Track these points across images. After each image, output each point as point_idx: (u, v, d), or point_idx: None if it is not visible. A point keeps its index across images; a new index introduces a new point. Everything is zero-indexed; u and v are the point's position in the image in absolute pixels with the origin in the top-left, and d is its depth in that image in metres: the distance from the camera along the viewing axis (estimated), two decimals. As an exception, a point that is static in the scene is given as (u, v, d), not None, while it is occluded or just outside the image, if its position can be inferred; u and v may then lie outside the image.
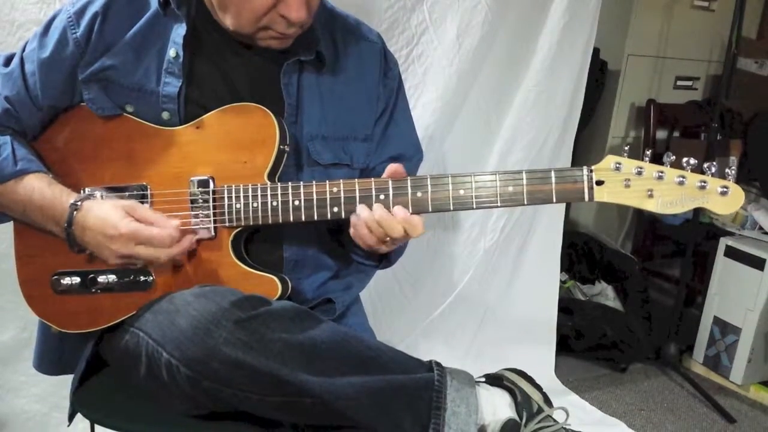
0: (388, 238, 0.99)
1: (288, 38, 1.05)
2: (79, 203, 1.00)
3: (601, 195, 0.97)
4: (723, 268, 2.32)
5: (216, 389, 0.91)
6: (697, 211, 2.34)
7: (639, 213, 2.91)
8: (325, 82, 1.13)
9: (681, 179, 0.94)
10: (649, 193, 0.96)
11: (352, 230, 1.02)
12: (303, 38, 1.08)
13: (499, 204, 0.99)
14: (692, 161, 0.95)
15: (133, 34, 1.06)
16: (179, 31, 1.06)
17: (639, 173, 0.96)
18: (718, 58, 2.97)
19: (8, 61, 1.09)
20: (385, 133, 1.19)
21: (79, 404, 1.07)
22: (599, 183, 0.97)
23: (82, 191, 1.06)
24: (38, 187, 1.02)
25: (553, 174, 0.98)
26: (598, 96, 2.80)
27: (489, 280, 2.10)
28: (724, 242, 2.32)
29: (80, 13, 1.06)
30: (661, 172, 0.95)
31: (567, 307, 2.35)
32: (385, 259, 1.15)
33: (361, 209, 1.00)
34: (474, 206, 1.00)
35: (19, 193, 1.02)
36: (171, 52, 1.06)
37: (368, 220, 0.99)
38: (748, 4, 2.18)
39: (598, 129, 2.89)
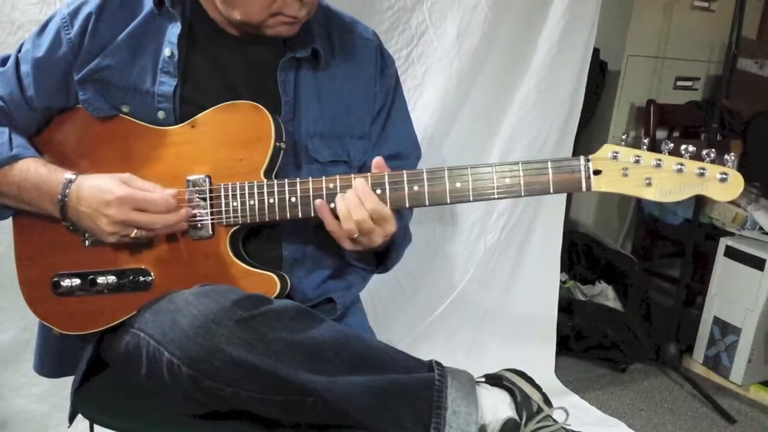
0: (357, 233, 0.99)
1: (298, 22, 1.05)
2: (74, 177, 1.01)
3: (599, 184, 0.96)
4: (723, 268, 2.32)
5: (217, 388, 0.91)
6: (698, 211, 2.34)
7: (639, 212, 2.91)
8: (322, 79, 1.13)
9: (679, 167, 0.93)
10: (648, 181, 0.95)
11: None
12: (299, 36, 1.08)
13: (496, 196, 0.99)
14: (690, 148, 0.93)
15: (127, 34, 1.06)
16: (174, 30, 1.06)
17: (637, 162, 0.95)
18: (718, 59, 2.97)
19: (3, 61, 1.10)
20: (383, 131, 1.19)
21: (79, 404, 1.07)
22: (597, 172, 0.96)
23: None
24: (34, 167, 1.03)
25: (549, 164, 0.97)
26: (598, 96, 2.80)
27: (489, 280, 2.09)
28: (724, 242, 2.32)
29: (74, 14, 1.06)
30: (659, 160, 0.94)
31: (567, 307, 2.35)
32: (381, 265, 1.16)
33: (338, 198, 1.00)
34: (471, 198, 1.00)
35: (14, 175, 1.03)
36: (166, 52, 1.06)
37: (339, 207, 0.99)
38: (748, 5, 2.18)
39: (598, 129, 2.88)
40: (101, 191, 0.98)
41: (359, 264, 1.16)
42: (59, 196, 1.00)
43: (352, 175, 1.02)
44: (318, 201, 1.01)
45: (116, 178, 1.00)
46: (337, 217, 1.01)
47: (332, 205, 1.01)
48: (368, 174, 1.02)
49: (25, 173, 1.02)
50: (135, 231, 1.00)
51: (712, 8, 2.93)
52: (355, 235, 1.00)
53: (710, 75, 3.06)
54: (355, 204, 0.99)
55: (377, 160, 1.03)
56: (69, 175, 1.01)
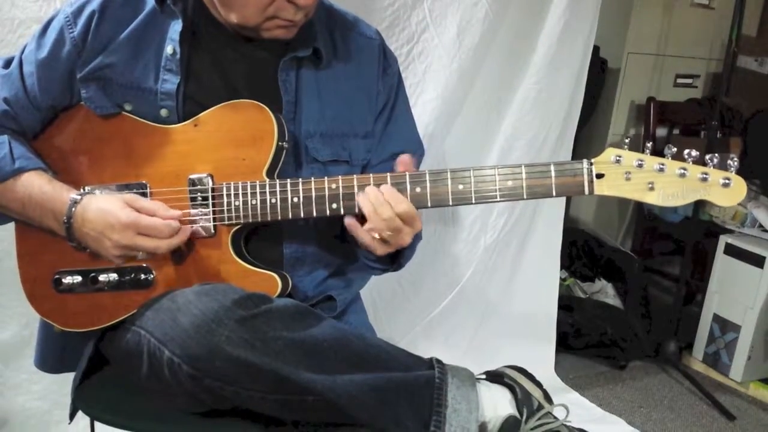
0: (388, 232, 0.98)
1: (295, 26, 1.04)
2: (79, 197, 1.01)
3: (602, 188, 0.97)
4: (723, 265, 2.32)
5: (218, 387, 0.91)
6: (697, 209, 2.34)
7: (639, 210, 2.92)
8: (324, 78, 1.12)
9: (682, 171, 0.94)
10: (650, 185, 0.95)
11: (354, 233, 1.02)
12: (300, 35, 1.08)
13: (498, 198, 0.99)
14: (693, 153, 0.93)
15: (130, 32, 1.06)
16: (176, 27, 1.06)
17: (640, 166, 0.95)
18: (719, 56, 2.97)
19: (7, 63, 1.10)
20: (386, 129, 1.19)
21: (80, 402, 1.07)
22: (599, 176, 0.96)
23: (81, 189, 1.06)
24: (38, 184, 1.02)
25: (552, 168, 0.97)
26: (598, 94, 2.80)
27: (489, 278, 2.10)
28: (723, 240, 2.32)
29: (77, 12, 1.06)
30: (662, 164, 0.94)
31: (567, 304, 2.36)
32: (394, 263, 1.14)
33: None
34: (473, 201, 1.00)
35: (17, 191, 1.03)
36: (168, 49, 1.06)
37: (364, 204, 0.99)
38: (748, 2, 2.19)
39: (599, 127, 2.89)
40: (106, 215, 0.98)
41: (376, 265, 1.14)
42: (64, 218, 1.01)
43: (354, 176, 1.01)
44: (347, 219, 1.01)
45: (120, 200, 1.00)
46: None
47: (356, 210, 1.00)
48: (371, 175, 1.02)
49: (29, 190, 1.02)
50: (140, 254, 1.02)
51: (712, 5, 2.93)
52: (386, 234, 0.99)
53: (710, 72, 3.06)
54: (379, 201, 0.98)
55: (404, 157, 1.03)
56: (74, 195, 1.01)
